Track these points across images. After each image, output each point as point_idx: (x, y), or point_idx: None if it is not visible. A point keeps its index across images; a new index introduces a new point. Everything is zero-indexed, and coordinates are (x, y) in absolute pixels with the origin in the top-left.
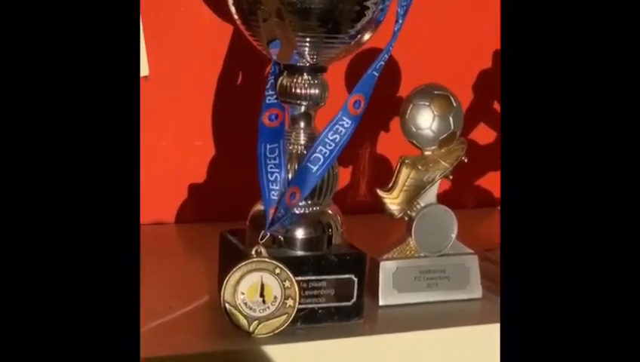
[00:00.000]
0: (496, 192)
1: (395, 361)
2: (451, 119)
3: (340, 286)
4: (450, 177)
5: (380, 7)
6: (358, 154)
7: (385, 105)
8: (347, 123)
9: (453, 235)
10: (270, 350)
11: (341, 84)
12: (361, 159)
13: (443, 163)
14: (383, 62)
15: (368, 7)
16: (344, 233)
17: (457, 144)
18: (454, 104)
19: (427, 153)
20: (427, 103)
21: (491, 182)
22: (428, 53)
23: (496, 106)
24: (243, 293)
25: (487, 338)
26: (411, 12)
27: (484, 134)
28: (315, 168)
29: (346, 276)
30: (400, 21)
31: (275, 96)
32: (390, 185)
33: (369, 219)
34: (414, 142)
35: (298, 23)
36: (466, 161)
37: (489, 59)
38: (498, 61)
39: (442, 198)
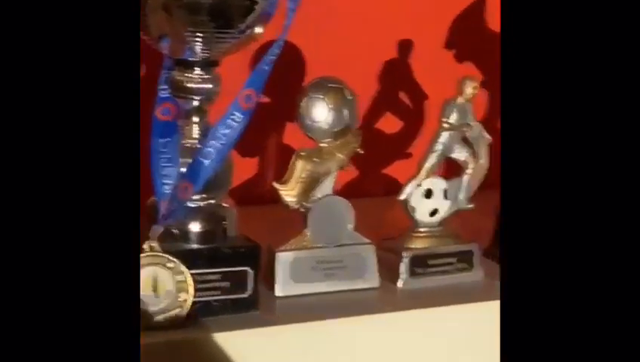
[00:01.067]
0: (402, 179)
1: (293, 352)
2: (346, 112)
3: (235, 279)
4: (346, 168)
5: (270, 0)
6: (265, 146)
7: (292, 96)
8: (239, 117)
9: (350, 225)
10: (164, 343)
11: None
12: (268, 150)
13: (338, 155)
14: (273, 57)
15: (257, 2)
16: (239, 225)
17: (352, 136)
18: (349, 97)
19: (323, 145)
20: (321, 96)
21: (398, 170)
22: (335, 45)
23: (402, 96)
24: None
25: (385, 326)
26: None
27: (391, 123)
28: (207, 162)
29: (241, 268)
30: (290, 15)
31: (168, 91)
32: (286, 178)
33: (276, 209)
34: (310, 134)
35: (187, 17)
36: (361, 152)
37: (394, 49)
38: (404, 51)
39: (349, 187)
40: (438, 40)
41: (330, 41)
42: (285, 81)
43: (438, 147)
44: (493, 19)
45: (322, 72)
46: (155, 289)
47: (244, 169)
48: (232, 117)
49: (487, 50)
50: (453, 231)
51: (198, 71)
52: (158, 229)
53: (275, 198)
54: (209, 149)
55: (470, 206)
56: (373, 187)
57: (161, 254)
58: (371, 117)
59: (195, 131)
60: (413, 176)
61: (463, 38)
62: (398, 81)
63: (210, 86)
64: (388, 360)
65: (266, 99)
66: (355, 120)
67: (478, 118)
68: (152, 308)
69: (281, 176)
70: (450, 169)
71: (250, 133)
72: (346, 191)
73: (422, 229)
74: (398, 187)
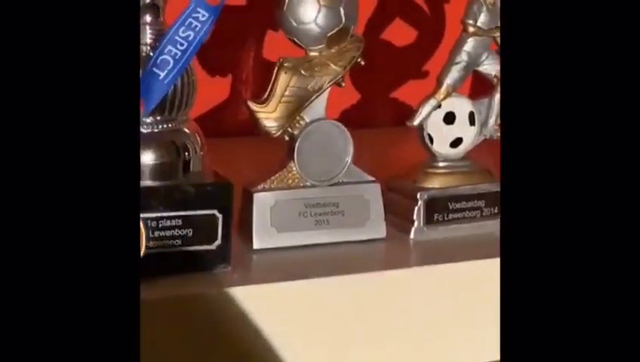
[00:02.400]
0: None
1: (274, 320)
2: (342, 10)
3: (201, 225)
4: (343, 84)
5: None
6: (239, 59)
7: None
8: (203, 15)
9: (348, 158)
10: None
11: None
12: (244, 66)
13: (333, 66)
14: None
15: None
16: (206, 158)
17: (351, 42)
18: None
19: (313, 54)
20: None
21: (410, 94)
22: None
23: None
24: None
25: (394, 285)
26: None
27: (402, 32)
28: (163, 74)
29: (208, 212)
30: None
31: None
32: (266, 96)
33: (253, 142)
34: (296, 40)
35: None
36: (363, 63)
37: None
38: None
39: (348, 115)
40: None
41: None
42: None
43: (462, 57)
44: None
45: None
46: None
47: (213, 91)
48: (194, 15)
49: None
50: (482, 166)
51: None
52: None
53: (252, 127)
54: (165, 57)
55: None
56: (379, 115)
57: None
58: (376, 23)
59: (148, 35)
60: (430, 95)
61: None
62: None
63: None
64: (396, 330)
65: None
66: (355, 20)
67: None
68: None
69: (260, 95)
70: (478, 87)
71: (219, 42)
72: (344, 119)
73: (441, 164)
74: (410, 115)
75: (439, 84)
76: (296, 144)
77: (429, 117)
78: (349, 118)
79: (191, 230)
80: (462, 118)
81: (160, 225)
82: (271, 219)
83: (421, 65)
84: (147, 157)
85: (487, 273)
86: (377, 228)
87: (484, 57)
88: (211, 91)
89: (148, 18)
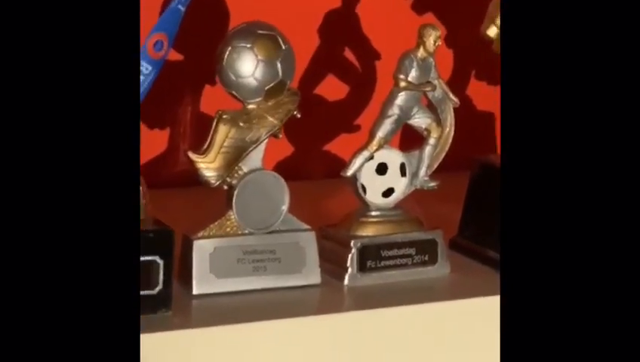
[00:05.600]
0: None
1: (210, 360)
2: (279, 65)
3: (142, 271)
4: (280, 136)
5: None
6: (177, 114)
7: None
8: (146, 69)
9: (284, 207)
10: None
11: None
12: (182, 119)
13: (270, 118)
14: None
15: None
16: (148, 206)
17: (288, 95)
18: (283, 46)
19: (250, 107)
20: (249, 45)
21: (343, 147)
22: None
23: (348, 54)
24: None
25: (327, 329)
26: None
27: (335, 88)
28: None
29: (149, 258)
30: None
31: None
32: (205, 147)
33: (191, 192)
34: (234, 93)
35: None
36: (299, 116)
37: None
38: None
39: (283, 166)
40: None
41: None
42: (203, 31)
43: (394, 110)
44: None
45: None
46: None
47: (153, 143)
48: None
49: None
50: (412, 215)
51: None
52: None
53: (192, 178)
54: None
55: (433, 184)
56: (312, 167)
57: None
58: (310, 79)
59: None
60: (363, 147)
61: None
62: (343, 35)
63: None
64: None
65: (178, 56)
66: (291, 75)
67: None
68: None
69: (198, 148)
70: (409, 139)
71: (157, 95)
72: (279, 170)
73: (374, 213)
74: (343, 166)
75: (372, 136)
76: (235, 193)
77: (362, 168)
78: (284, 170)
79: None
80: (393, 169)
81: None
82: (210, 266)
83: (353, 119)
84: None
85: (417, 318)
86: (312, 275)
87: (414, 110)
88: (150, 144)
89: None
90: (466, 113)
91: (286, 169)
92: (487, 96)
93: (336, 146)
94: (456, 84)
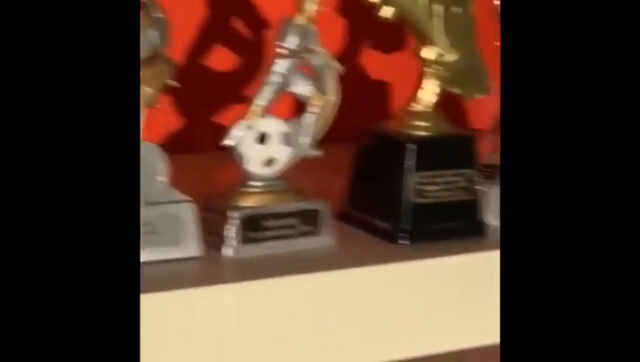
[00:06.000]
0: None
1: None
2: (153, 33)
3: None
4: (157, 106)
5: None
6: None
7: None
8: None
9: (162, 178)
10: None
11: None
12: None
13: (145, 88)
14: None
15: None
16: None
17: (163, 65)
18: (157, 14)
19: None
20: None
21: (233, 118)
22: None
23: (236, 23)
24: None
25: (207, 306)
26: None
27: (221, 58)
28: None
29: None
30: None
31: None
32: None
33: None
34: None
35: None
36: (177, 86)
37: None
38: None
39: (173, 140)
40: None
41: None
42: None
43: (274, 78)
44: None
45: None
46: None
47: None
48: None
49: None
50: (295, 185)
51: None
52: None
53: None
54: None
55: (317, 153)
56: (202, 139)
57: None
58: (198, 50)
59: None
60: (243, 117)
61: None
62: (231, 4)
63: None
64: (208, 344)
65: None
66: (167, 42)
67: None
68: None
69: None
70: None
71: None
72: (169, 144)
73: (255, 183)
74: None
75: (251, 105)
76: None
77: (242, 137)
78: (175, 143)
79: None
80: (275, 138)
81: None
82: None
83: (242, 90)
84: None
85: (301, 289)
86: (192, 247)
87: (295, 79)
88: None
89: None
90: (359, 82)
91: (176, 142)
92: (381, 66)
93: (226, 118)
94: (349, 52)
